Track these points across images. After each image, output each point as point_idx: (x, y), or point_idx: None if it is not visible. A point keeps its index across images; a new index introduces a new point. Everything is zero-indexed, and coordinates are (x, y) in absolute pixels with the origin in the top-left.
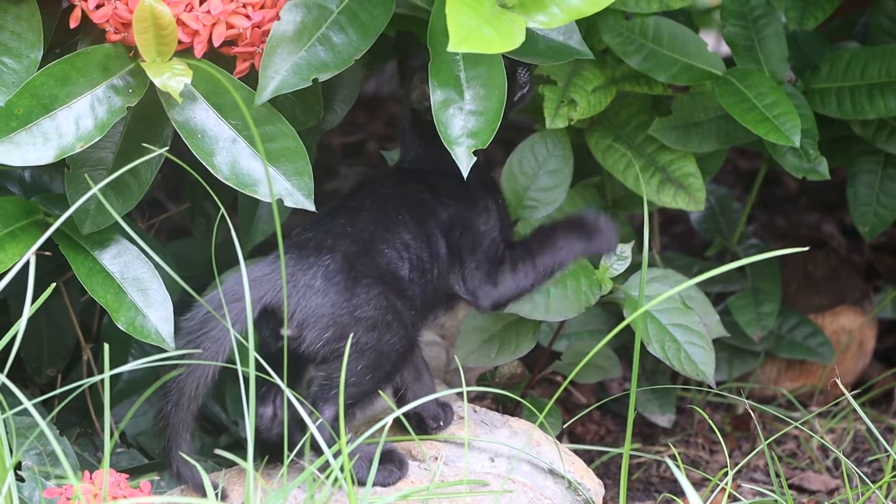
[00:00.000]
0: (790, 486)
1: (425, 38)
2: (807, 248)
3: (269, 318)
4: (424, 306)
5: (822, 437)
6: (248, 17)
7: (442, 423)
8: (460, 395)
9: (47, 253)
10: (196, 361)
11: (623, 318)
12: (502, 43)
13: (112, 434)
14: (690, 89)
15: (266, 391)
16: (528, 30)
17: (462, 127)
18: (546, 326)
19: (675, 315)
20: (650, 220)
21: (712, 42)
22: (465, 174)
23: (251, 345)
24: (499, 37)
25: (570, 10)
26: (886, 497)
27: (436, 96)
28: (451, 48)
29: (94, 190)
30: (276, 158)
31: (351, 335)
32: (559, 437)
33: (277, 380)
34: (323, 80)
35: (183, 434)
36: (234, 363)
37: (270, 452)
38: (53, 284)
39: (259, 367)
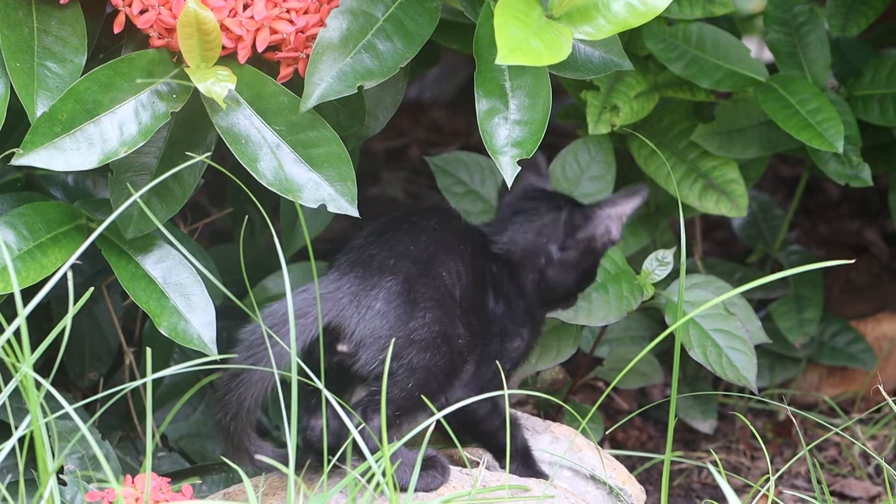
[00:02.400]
0: (832, 493)
1: (469, 46)
2: (852, 261)
3: (328, 334)
4: (475, 333)
5: (863, 444)
6: (291, 22)
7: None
8: (502, 398)
9: (79, 262)
10: (233, 366)
11: (664, 324)
12: (550, 55)
13: (154, 438)
14: (733, 95)
15: (316, 403)
16: None
17: (507, 136)
18: (587, 332)
19: (717, 320)
20: (692, 226)
21: (755, 48)
22: (509, 183)
23: (293, 350)
24: (546, 49)
25: (617, 21)
26: None
27: (481, 105)
28: (499, 61)
29: (136, 196)
30: (319, 164)
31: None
32: (601, 443)
33: (319, 384)
34: (368, 87)
35: (248, 434)
36: (284, 373)
37: (319, 461)
38: (92, 288)
39: (305, 376)
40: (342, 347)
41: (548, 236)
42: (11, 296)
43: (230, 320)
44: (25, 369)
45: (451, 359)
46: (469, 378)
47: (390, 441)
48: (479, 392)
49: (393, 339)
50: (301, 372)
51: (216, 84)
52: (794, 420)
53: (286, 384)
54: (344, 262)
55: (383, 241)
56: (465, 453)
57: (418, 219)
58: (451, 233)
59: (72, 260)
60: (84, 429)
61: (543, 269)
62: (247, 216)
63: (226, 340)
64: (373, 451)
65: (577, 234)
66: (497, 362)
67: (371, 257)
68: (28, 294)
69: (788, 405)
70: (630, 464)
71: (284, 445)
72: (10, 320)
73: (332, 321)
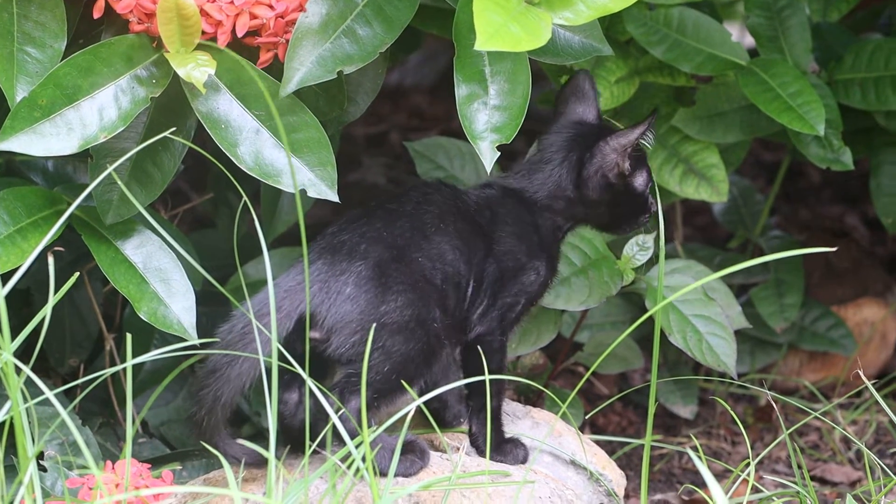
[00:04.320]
0: (812, 478)
1: (449, 31)
2: (834, 249)
3: (302, 323)
4: (455, 318)
5: (844, 429)
6: (271, 7)
7: (462, 421)
8: (482, 384)
9: (60, 249)
10: (215, 351)
11: (645, 309)
12: (529, 41)
13: (134, 423)
14: (714, 80)
15: (291, 378)
16: None
17: (486, 122)
18: (568, 317)
19: (697, 306)
20: (673, 211)
21: (736, 33)
22: (488, 169)
23: (273, 335)
24: (526, 35)
25: (597, 6)
26: None
27: (460, 91)
28: (478, 46)
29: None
30: (299, 149)
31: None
32: (581, 428)
33: (300, 369)
34: (348, 72)
35: (220, 428)
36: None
37: (293, 440)
38: (77, 274)
39: (284, 360)
40: (314, 334)
41: (561, 179)
42: None
43: (210, 306)
44: (6, 355)
45: (428, 343)
46: (483, 312)
47: (369, 425)
48: (499, 325)
49: (364, 323)
50: (281, 358)
51: (196, 69)
52: (774, 405)
53: (267, 372)
54: (314, 248)
55: (355, 227)
56: (446, 438)
57: (395, 205)
58: (430, 213)
59: (45, 241)
60: (64, 414)
61: (568, 208)
62: (229, 203)
63: (206, 326)
64: (351, 435)
65: (585, 171)
66: (522, 312)
67: (341, 243)
68: (8, 280)
69: (769, 390)
70: (610, 449)
71: (262, 433)
72: None
73: (304, 311)
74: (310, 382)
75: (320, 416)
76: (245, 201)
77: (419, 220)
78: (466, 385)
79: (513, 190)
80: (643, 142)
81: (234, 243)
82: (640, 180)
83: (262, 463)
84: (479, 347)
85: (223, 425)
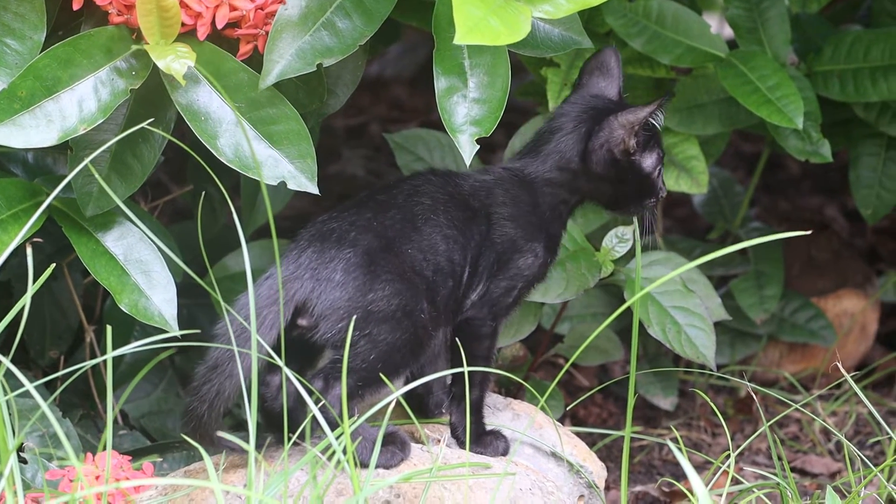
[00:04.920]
0: (792, 469)
1: (429, 23)
2: (810, 232)
3: (297, 310)
4: (448, 305)
5: (824, 421)
6: None
7: (444, 410)
8: (461, 375)
9: (39, 240)
10: (196, 344)
11: (625, 301)
12: (509, 34)
13: (113, 415)
14: (693, 72)
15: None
16: None
17: (466, 114)
18: (548, 309)
19: (677, 298)
20: None
21: (715, 25)
22: (467, 162)
23: (253, 328)
24: (505, 28)
25: (576, 0)
26: (889, 480)
27: (440, 83)
28: (457, 40)
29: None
30: (279, 141)
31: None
32: (561, 420)
33: (279, 361)
34: (327, 65)
35: (219, 423)
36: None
37: (273, 425)
38: (53, 265)
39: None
40: (302, 322)
41: (567, 149)
42: None
43: (191, 298)
44: None
45: (416, 333)
46: (478, 297)
47: (352, 412)
48: (490, 310)
49: (351, 310)
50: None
51: (176, 61)
52: (754, 396)
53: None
54: (304, 236)
55: (345, 216)
56: (426, 430)
57: (386, 196)
58: (421, 205)
59: (24, 232)
60: (45, 406)
61: (573, 181)
62: (209, 195)
63: (186, 318)
64: (333, 426)
65: (591, 144)
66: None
67: (331, 231)
68: None
69: (749, 382)
70: (591, 440)
71: (242, 424)
72: None
73: (298, 301)
74: (287, 371)
75: (301, 406)
76: (225, 194)
77: (410, 211)
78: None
79: (513, 170)
80: (653, 122)
81: (210, 235)
82: (648, 161)
83: (244, 453)
84: (467, 331)
85: (221, 420)
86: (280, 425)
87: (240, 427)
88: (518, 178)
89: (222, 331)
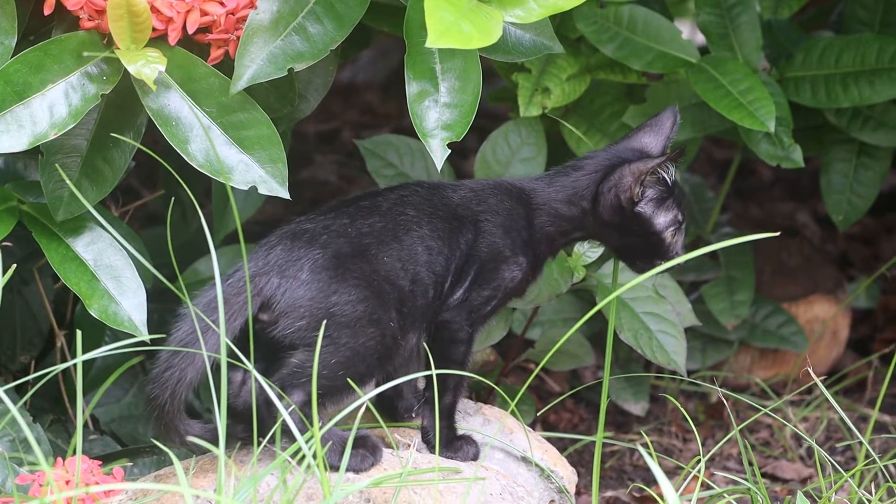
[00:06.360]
0: (763, 475)
1: (401, 28)
2: (778, 234)
3: (263, 305)
4: (425, 314)
5: (795, 426)
6: (222, 3)
7: (414, 415)
8: (439, 378)
9: (8, 244)
10: (161, 348)
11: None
12: (481, 38)
13: (84, 419)
14: (665, 77)
15: (238, 359)
16: None
17: (437, 119)
18: (519, 314)
19: (648, 303)
20: None
21: (687, 31)
22: (438, 166)
23: (222, 331)
24: (477, 32)
25: (548, 5)
26: (859, 486)
27: (411, 88)
28: (429, 44)
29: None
30: (250, 146)
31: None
32: (532, 425)
33: (246, 362)
34: (298, 69)
35: (181, 412)
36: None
37: (236, 421)
38: (14, 266)
39: (237, 345)
40: (263, 316)
41: (582, 187)
42: None
43: (161, 303)
44: None
45: (382, 342)
46: (458, 302)
47: (313, 423)
48: (468, 315)
49: (312, 310)
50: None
51: (146, 66)
52: (725, 402)
53: (215, 367)
54: (276, 234)
55: (322, 219)
56: (397, 435)
57: (369, 202)
58: (405, 215)
59: None
60: (14, 411)
61: (580, 218)
62: (181, 199)
63: (157, 323)
64: (301, 431)
65: (602, 186)
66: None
67: (304, 231)
68: None
69: (720, 387)
70: (562, 446)
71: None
72: None
73: (265, 297)
74: (261, 380)
75: (267, 412)
76: (193, 200)
77: (393, 220)
78: (424, 377)
79: (516, 185)
80: (664, 174)
81: (182, 240)
82: (660, 220)
83: (214, 455)
84: (444, 334)
85: (183, 408)
86: (241, 421)
87: (199, 416)
88: (518, 193)
89: (185, 313)
